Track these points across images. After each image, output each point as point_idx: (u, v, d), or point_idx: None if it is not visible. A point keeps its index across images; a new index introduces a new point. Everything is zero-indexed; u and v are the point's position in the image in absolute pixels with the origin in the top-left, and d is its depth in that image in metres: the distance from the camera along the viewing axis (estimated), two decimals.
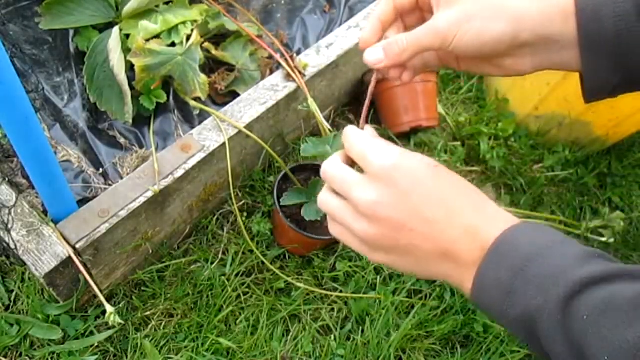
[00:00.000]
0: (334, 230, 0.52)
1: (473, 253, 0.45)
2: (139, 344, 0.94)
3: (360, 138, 0.51)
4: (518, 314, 0.42)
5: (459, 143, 1.36)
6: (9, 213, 0.85)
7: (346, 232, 0.50)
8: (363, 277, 1.08)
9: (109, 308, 0.83)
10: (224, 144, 0.97)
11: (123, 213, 0.86)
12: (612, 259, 0.43)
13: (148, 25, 0.99)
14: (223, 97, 1.08)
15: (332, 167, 0.50)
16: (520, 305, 0.42)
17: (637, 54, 0.47)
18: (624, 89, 0.50)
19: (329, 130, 1.04)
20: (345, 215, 0.49)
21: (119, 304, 0.97)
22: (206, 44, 1.06)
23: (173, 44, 1.01)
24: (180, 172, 0.92)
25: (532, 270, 0.42)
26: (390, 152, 0.48)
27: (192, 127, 1.00)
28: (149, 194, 0.88)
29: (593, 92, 0.51)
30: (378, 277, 1.09)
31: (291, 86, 1.06)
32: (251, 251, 1.05)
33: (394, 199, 0.46)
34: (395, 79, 0.58)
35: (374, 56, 0.54)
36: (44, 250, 0.82)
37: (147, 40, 0.98)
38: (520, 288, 0.42)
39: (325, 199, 0.51)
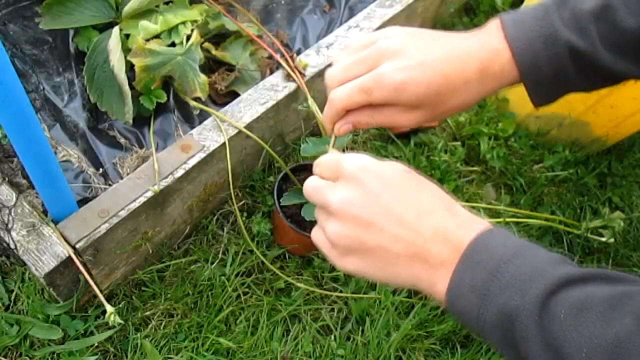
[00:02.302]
0: (314, 236, 0.53)
1: (444, 254, 0.45)
2: (139, 344, 0.94)
3: (331, 155, 0.53)
4: (494, 316, 0.42)
5: (459, 143, 1.36)
6: (9, 213, 0.85)
7: (321, 237, 0.51)
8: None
9: (109, 308, 0.83)
10: (224, 144, 0.97)
11: (123, 213, 0.86)
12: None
13: (148, 25, 0.99)
14: (223, 97, 1.08)
15: (309, 183, 0.53)
16: (497, 307, 0.42)
17: (574, 80, 0.55)
18: (564, 93, 0.58)
19: None
20: (320, 219, 0.51)
21: (119, 304, 0.97)
22: (206, 44, 1.06)
23: (173, 44, 1.01)
24: (180, 172, 0.92)
25: (508, 272, 0.42)
26: (361, 157, 0.50)
27: (192, 127, 1.00)
28: (149, 194, 0.88)
29: (541, 103, 0.59)
30: None
31: (291, 86, 1.06)
32: (251, 251, 1.05)
33: (364, 199, 0.47)
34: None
35: (346, 129, 0.59)
36: (44, 250, 0.82)
37: (147, 40, 0.98)
38: (497, 290, 0.42)
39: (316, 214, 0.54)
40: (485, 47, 0.55)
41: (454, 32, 0.58)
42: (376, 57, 0.55)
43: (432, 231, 0.45)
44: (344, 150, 0.65)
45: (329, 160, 0.52)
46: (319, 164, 0.53)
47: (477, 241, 0.45)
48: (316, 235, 0.53)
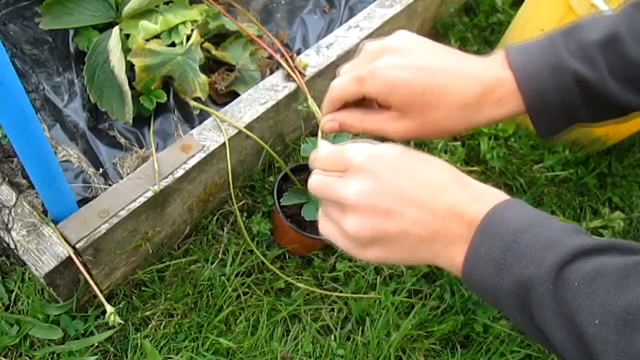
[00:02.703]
0: (326, 232, 0.53)
1: (462, 229, 0.46)
2: (139, 344, 0.94)
3: (329, 148, 0.52)
4: (510, 286, 0.43)
5: (459, 143, 1.36)
6: (9, 213, 0.85)
7: (336, 232, 0.52)
8: (363, 277, 1.08)
9: (109, 308, 0.83)
10: (224, 144, 0.97)
11: (123, 213, 0.86)
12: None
13: (148, 25, 0.99)
14: (223, 97, 1.08)
15: (315, 180, 0.51)
16: (513, 276, 0.43)
17: (581, 112, 0.55)
18: (571, 125, 0.58)
19: None
20: (333, 215, 0.50)
21: (119, 304, 0.97)
22: (206, 44, 1.06)
23: (173, 44, 1.01)
24: (180, 172, 0.92)
25: (523, 242, 0.43)
26: (362, 146, 0.49)
27: (192, 127, 1.00)
28: (149, 194, 0.88)
29: (546, 135, 0.59)
30: (378, 277, 1.09)
31: (291, 86, 1.06)
32: (251, 251, 1.05)
33: (378, 187, 0.47)
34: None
35: (330, 127, 0.59)
36: (44, 250, 0.82)
37: (147, 40, 0.98)
38: (513, 260, 0.43)
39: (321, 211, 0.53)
40: (490, 73, 0.54)
41: (464, 51, 0.57)
42: (378, 53, 0.55)
43: (449, 208, 0.46)
44: None
45: (331, 153, 0.51)
46: (318, 158, 0.52)
47: (492, 213, 0.45)
48: (330, 231, 0.52)
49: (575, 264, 0.41)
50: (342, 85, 0.56)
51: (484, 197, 0.46)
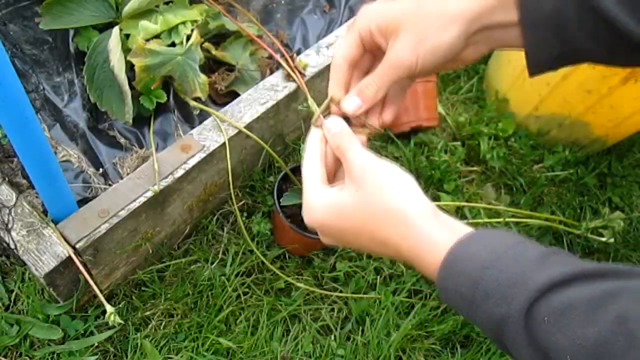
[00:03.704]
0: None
1: (431, 262, 0.48)
2: (139, 344, 0.94)
3: (304, 176, 0.56)
4: (483, 321, 0.44)
5: (459, 143, 1.36)
6: (9, 213, 0.85)
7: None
8: (363, 277, 1.08)
9: (109, 308, 0.83)
10: (224, 144, 0.97)
11: (123, 213, 0.86)
12: (567, 253, 0.44)
13: (148, 25, 0.99)
14: (223, 97, 1.08)
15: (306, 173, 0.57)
16: (485, 313, 0.43)
17: (574, 26, 0.49)
18: (564, 61, 0.52)
19: None
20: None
21: (119, 304, 0.97)
22: (206, 44, 1.06)
23: (173, 44, 1.01)
24: (180, 172, 0.92)
25: (490, 279, 0.43)
26: (315, 213, 0.54)
27: (192, 127, 1.00)
28: (149, 194, 0.88)
29: (536, 65, 0.53)
30: (378, 277, 1.09)
31: (291, 86, 1.06)
32: (251, 251, 1.05)
33: (333, 236, 0.55)
34: (376, 126, 0.60)
35: (352, 104, 0.56)
36: (44, 250, 0.82)
37: (147, 40, 0.98)
38: (482, 298, 0.43)
39: None
40: None
41: None
42: None
43: (403, 255, 0.50)
44: None
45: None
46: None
47: (456, 249, 0.45)
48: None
49: (544, 299, 0.41)
50: (338, 47, 0.57)
51: (444, 233, 0.47)
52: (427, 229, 0.48)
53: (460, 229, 0.48)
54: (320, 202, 0.53)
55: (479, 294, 0.43)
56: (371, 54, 0.58)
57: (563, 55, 0.51)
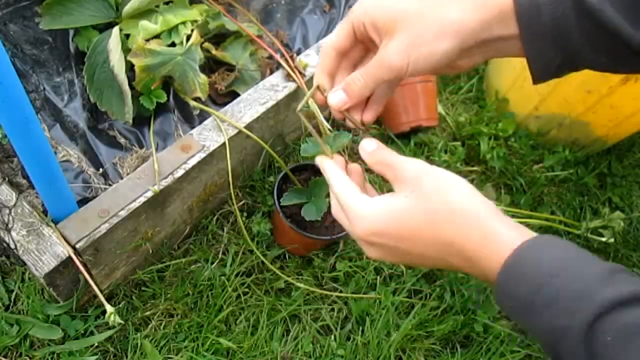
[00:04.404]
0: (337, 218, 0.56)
1: (496, 261, 0.45)
2: (139, 344, 0.94)
3: (341, 192, 0.53)
4: (541, 329, 0.42)
5: (459, 143, 1.36)
6: (9, 213, 0.85)
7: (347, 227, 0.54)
8: (363, 277, 1.08)
9: (109, 308, 0.83)
10: (224, 144, 0.97)
11: (123, 213, 0.86)
12: (632, 273, 0.43)
13: (148, 25, 0.99)
14: (223, 97, 1.08)
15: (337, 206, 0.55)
16: (544, 321, 0.42)
17: (574, 35, 0.48)
18: (567, 68, 0.52)
19: (329, 130, 1.04)
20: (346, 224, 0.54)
21: (119, 304, 0.97)
22: (206, 44, 1.06)
23: (173, 44, 1.01)
24: (180, 172, 0.92)
25: (554, 287, 0.41)
26: (361, 221, 0.50)
27: (192, 127, 1.00)
28: (149, 194, 0.88)
29: (539, 74, 0.53)
30: (378, 277, 1.09)
31: (291, 86, 1.06)
32: (251, 251, 1.05)
33: (385, 250, 0.51)
34: (358, 121, 0.60)
35: (337, 99, 0.56)
36: (44, 250, 0.82)
37: (147, 40, 0.98)
38: (543, 305, 0.42)
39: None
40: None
41: None
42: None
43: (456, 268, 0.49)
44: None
45: (344, 208, 0.53)
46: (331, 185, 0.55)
47: (522, 250, 0.44)
48: (341, 222, 0.55)
49: (609, 316, 0.39)
50: (330, 37, 0.56)
51: (509, 237, 0.45)
52: (498, 229, 0.46)
53: (526, 230, 0.46)
54: (372, 210, 0.50)
55: (540, 301, 0.41)
56: (364, 45, 0.58)
57: (566, 64, 0.51)
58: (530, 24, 0.49)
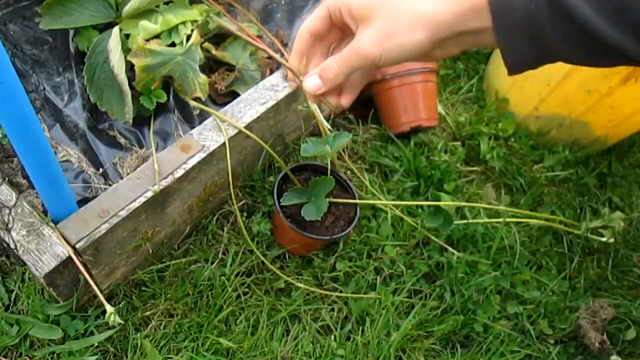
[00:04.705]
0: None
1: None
2: (139, 344, 0.94)
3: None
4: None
5: (459, 143, 1.36)
6: (9, 213, 0.85)
7: None
8: (363, 277, 1.08)
9: (109, 308, 0.83)
10: (224, 144, 0.97)
11: (123, 213, 0.86)
12: None
13: (148, 25, 0.99)
14: (223, 97, 1.08)
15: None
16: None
17: (549, 30, 0.48)
18: (542, 61, 0.52)
19: (329, 130, 1.04)
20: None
21: (119, 304, 0.97)
22: (206, 44, 1.06)
23: (173, 44, 1.01)
24: (180, 172, 0.92)
25: None
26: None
27: (192, 127, 1.00)
28: (149, 194, 0.88)
29: (514, 67, 0.53)
30: (378, 277, 1.09)
31: (291, 86, 1.06)
32: (251, 251, 1.05)
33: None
34: (333, 105, 0.61)
35: (312, 83, 0.58)
36: (44, 250, 0.82)
37: (147, 40, 0.98)
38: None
39: None
40: None
41: None
42: None
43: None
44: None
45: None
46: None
47: None
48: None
49: None
50: (306, 20, 0.57)
51: None
52: None
53: None
54: None
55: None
56: (340, 29, 0.59)
57: (540, 57, 0.51)
58: (503, 17, 0.49)
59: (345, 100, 0.60)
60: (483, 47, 0.55)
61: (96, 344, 0.93)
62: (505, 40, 0.50)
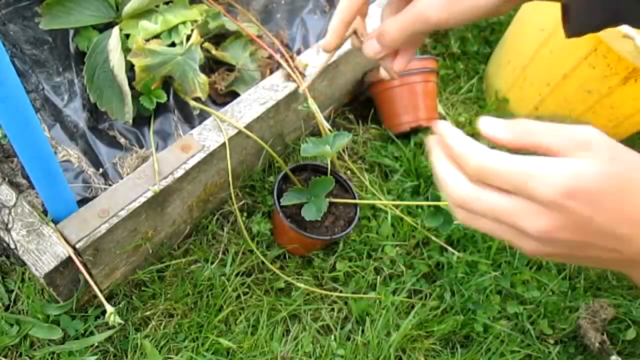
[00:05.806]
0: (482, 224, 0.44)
1: None
2: (139, 344, 0.94)
3: (500, 160, 0.43)
4: None
5: None
6: (9, 213, 0.85)
7: (498, 229, 0.43)
8: (363, 277, 1.08)
9: (109, 308, 0.83)
10: (224, 144, 0.97)
11: (123, 213, 0.86)
12: None
13: (148, 25, 0.99)
14: (223, 97, 1.08)
15: (466, 193, 0.45)
16: None
17: None
18: (607, 25, 0.48)
19: (329, 130, 1.04)
20: (507, 235, 0.43)
21: (119, 304, 0.97)
22: (206, 44, 1.06)
23: (173, 44, 1.01)
24: (180, 172, 0.92)
25: None
26: (553, 176, 0.38)
27: (192, 127, 1.00)
28: (149, 194, 0.88)
29: (576, 29, 0.48)
30: (378, 277, 1.09)
31: (291, 86, 1.06)
32: (251, 251, 1.05)
33: (573, 226, 0.39)
34: (392, 72, 0.58)
35: (371, 48, 0.56)
36: (44, 250, 0.82)
37: (147, 40, 0.98)
38: None
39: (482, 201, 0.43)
40: None
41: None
42: None
43: None
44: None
45: (513, 173, 0.41)
46: (485, 167, 0.43)
47: None
48: (500, 232, 0.43)
49: None
50: None
51: None
52: None
53: None
54: (563, 166, 0.38)
55: None
56: None
57: (608, 19, 0.47)
58: None
59: (401, 64, 0.57)
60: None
61: (96, 344, 0.93)
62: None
